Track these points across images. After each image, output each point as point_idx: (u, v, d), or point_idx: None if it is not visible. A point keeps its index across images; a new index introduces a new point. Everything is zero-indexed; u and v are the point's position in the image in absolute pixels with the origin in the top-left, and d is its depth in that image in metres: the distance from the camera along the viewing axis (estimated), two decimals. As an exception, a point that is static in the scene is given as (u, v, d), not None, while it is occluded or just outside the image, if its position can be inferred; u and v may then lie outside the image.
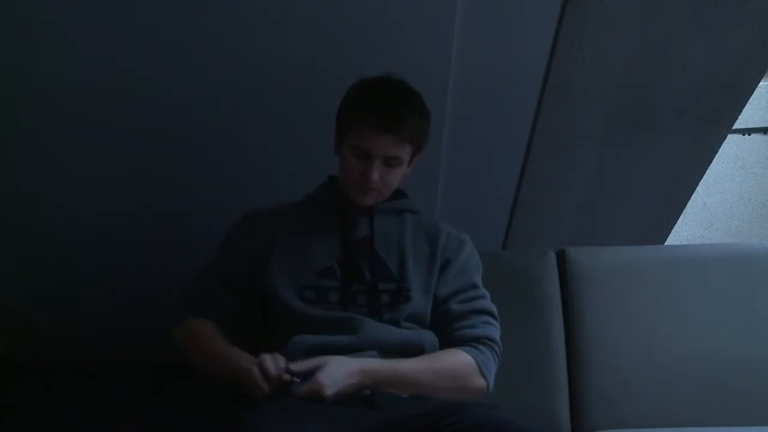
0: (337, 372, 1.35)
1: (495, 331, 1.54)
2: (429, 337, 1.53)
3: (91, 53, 1.76)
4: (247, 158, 2.09)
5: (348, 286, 1.53)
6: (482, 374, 1.49)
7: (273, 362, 1.34)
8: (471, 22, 1.81)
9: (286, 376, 1.32)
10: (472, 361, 1.48)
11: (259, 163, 2.10)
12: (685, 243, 3.53)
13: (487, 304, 1.58)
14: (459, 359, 1.48)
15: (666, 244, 2.87)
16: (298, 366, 1.35)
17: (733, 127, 2.54)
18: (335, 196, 1.63)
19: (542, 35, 1.92)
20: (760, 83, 2.30)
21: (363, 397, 1.40)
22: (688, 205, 2.79)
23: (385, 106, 1.49)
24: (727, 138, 2.48)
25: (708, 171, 2.58)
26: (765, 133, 3.72)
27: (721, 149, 2.50)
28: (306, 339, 1.47)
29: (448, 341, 1.53)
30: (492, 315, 1.57)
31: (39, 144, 1.97)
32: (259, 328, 1.59)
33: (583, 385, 1.85)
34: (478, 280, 1.62)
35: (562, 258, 1.98)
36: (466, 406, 1.27)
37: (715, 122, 2.32)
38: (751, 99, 2.30)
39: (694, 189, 2.65)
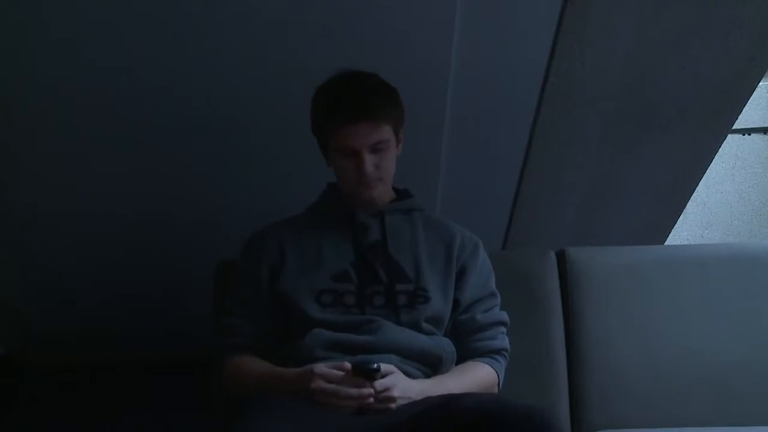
0: (406, 383, 1.39)
1: (507, 341, 1.61)
2: (446, 346, 1.54)
3: (91, 53, 1.76)
4: (247, 158, 2.09)
5: (364, 288, 1.53)
6: (498, 383, 1.58)
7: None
8: (471, 22, 1.81)
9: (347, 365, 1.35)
10: (495, 373, 1.56)
11: (259, 163, 2.10)
12: (685, 243, 3.53)
13: (504, 315, 1.63)
14: (486, 373, 1.55)
15: (666, 244, 2.87)
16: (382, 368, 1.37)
17: (733, 127, 2.55)
18: (339, 201, 1.63)
19: (542, 35, 1.92)
20: (760, 83, 2.30)
21: None
22: (688, 205, 2.79)
23: (348, 99, 1.49)
24: (727, 138, 2.49)
25: (708, 171, 2.58)
26: (765, 133, 3.72)
27: (721, 149, 2.50)
28: (325, 333, 1.47)
29: (469, 349, 1.57)
30: (506, 325, 1.63)
31: (39, 145, 1.97)
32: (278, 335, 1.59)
33: (583, 385, 1.85)
34: (494, 286, 1.65)
35: (562, 258, 1.97)
36: (463, 394, 1.28)
37: (715, 122, 2.32)
38: (751, 99, 2.31)
39: (694, 189, 2.65)
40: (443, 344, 1.53)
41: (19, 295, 2.43)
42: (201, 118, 1.97)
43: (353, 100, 1.49)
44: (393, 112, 1.53)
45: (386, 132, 1.51)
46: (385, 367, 1.37)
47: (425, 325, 1.52)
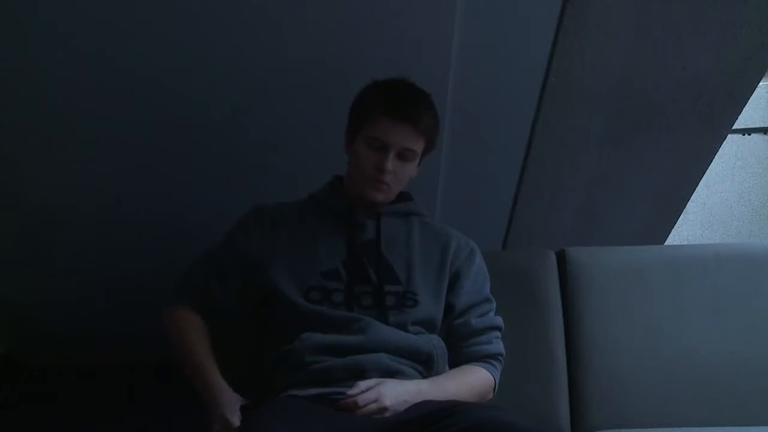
0: (397, 389, 1.40)
1: (502, 347, 1.61)
2: (436, 341, 1.55)
3: (91, 53, 1.76)
4: (247, 158, 2.09)
5: (353, 287, 1.53)
6: (494, 388, 1.58)
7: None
8: (471, 22, 1.81)
9: None
10: (491, 378, 1.57)
11: (259, 163, 2.10)
12: (685, 243, 3.53)
13: (499, 320, 1.63)
14: (482, 377, 1.55)
15: (666, 244, 2.87)
16: (358, 387, 1.39)
17: (733, 127, 2.55)
18: (341, 196, 1.63)
19: (542, 35, 1.92)
20: (760, 83, 2.30)
21: None
22: (688, 205, 2.79)
23: (403, 99, 1.54)
24: (727, 138, 2.48)
25: (708, 171, 2.58)
26: (765, 133, 3.73)
27: (721, 149, 2.50)
28: (314, 337, 1.47)
29: (464, 354, 1.57)
30: (501, 330, 1.63)
31: (39, 144, 1.97)
32: (256, 327, 1.59)
33: (583, 385, 1.85)
34: (489, 292, 1.65)
35: (562, 258, 1.97)
36: (467, 406, 1.28)
37: (715, 122, 2.32)
38: (751, 99, 2.30)
39: (694, 189, 2.65)
40: (433, 341, 1.54)
41: (19, 295, 2.43)
42: (201, 118, 1.97)
43: (408, 102, 1.53)
44: (432, 133, 1.59)
45: (418, 145, 1.55)
46: (366, 383, 1.39)
47: (412, 328, 1.53)
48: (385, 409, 1.35)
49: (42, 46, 1.73)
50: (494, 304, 1.64)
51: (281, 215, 1.63)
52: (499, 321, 1.62)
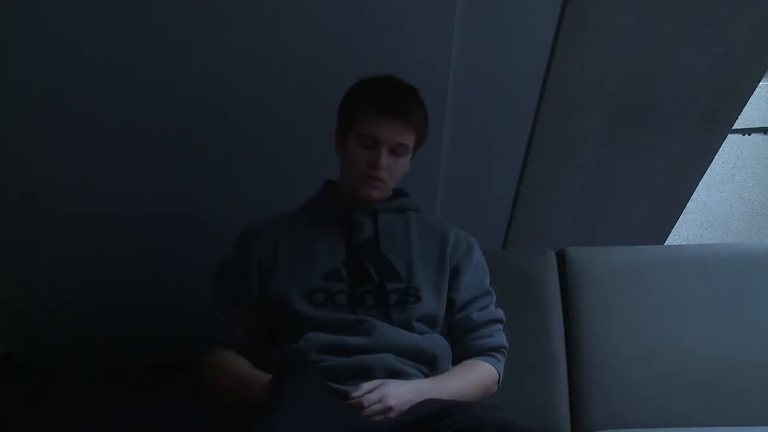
0: (401, 389, 1.40)
1: (505, 338, 1.61)
2: (440, 342, 1.55)
3: (91, 53, 1.76)
4: (247, 158, 2.09)
5: (355, 287, 1.53)
6: (498, 381, 1.58)
7: None
8: (471, 22, 1.81)
9: None
10: (495, 371, 1.56)
11: (259, 164, 2.10)
12: (685, 243, 3.53)
13: (500, 312, 1.63)
14: (485, 371, 1.55)
15: (666, 244, 2.88)
16: (362, 389, 1.38)
17: (733, 127, 2.55)
18: (335, 199, 1.63)
19: (542, 35, 1.92)
20: (760, 83, 2.30)
21: None
22: (688, 205, 2.79)
23: (392, 95, 1.54)
24: (727, 138, 2.49)
25: (708, 171, 2.58)
26: (765, 133, 3.73)
27: (721, 149, 2.50)
28: (319, 336, 1.47)
29: (466, 348, 1.57)
30: (502, 322, 1.63)
31: (39, 144, 1.97)
32: (263, 332, 1.59)
33: (583, 385, 1.85)
34: (489, 285, 1.65)
35: (562, 258, 1.98)
36: (468, 406, 1.28)
37: (715, 122, 2.32)
38: (751, 99, 2.31)
39: (694, 189, 2.65)
40: (437, 341, 1.54)
41: (19, 295, 2.43)
42: (201, 118, 1.97)
43: (397, 97, 1.54)
44: (422, 127, 1.59)
45: (410, 139, 1.56)
46: (369, 384, 1.38)
47: (416, 325, 1.53)
48: (389, 409, 1.36)
49: (41, 47, 1.73)
50: (494, 297, 1.63)
51: (275, 227, 1.63)
52: (500, 313, 1.62)
